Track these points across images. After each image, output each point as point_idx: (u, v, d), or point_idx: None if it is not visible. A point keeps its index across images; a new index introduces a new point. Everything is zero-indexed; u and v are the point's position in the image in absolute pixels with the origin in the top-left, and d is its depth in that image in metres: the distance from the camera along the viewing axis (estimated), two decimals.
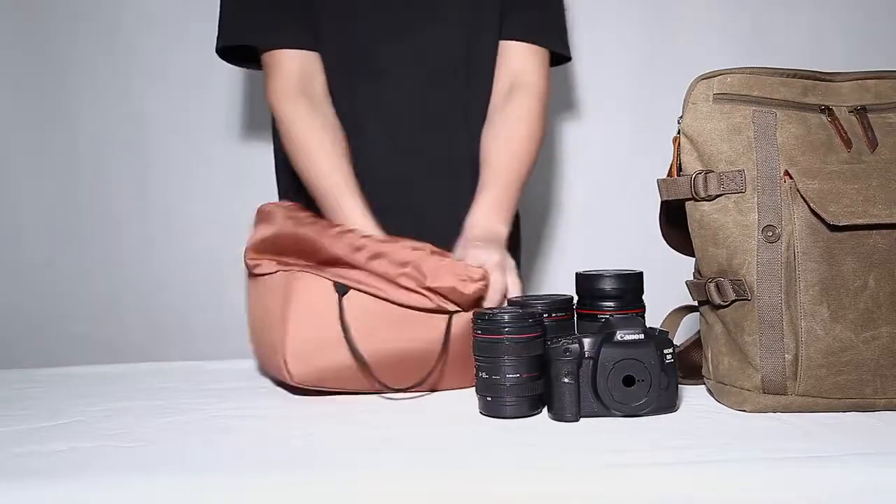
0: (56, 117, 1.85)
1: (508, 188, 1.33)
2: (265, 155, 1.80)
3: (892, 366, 0.92)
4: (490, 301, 1.09)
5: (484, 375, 0.96)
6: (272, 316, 1.06)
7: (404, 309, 1.04)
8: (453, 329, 1.05)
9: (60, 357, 1.63)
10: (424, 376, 1.03)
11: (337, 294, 1.03)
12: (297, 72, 1.34)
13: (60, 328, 1.87)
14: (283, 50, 1.34)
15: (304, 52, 1.35)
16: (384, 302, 1.04)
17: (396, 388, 1.02)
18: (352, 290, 1.03)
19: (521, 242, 1.56)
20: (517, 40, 1.39)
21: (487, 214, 1.29)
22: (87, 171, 1.86)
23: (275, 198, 1.49)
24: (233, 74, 1.86)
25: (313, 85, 1.35)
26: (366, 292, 1.04)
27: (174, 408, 1.04)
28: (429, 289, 1.04)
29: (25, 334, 1.88)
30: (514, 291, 1.12)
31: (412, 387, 1.02)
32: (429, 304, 1.04)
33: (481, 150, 1.37)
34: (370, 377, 1.02)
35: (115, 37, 1.83)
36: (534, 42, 1.39)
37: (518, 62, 1.39)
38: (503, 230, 1.29)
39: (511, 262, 1.17)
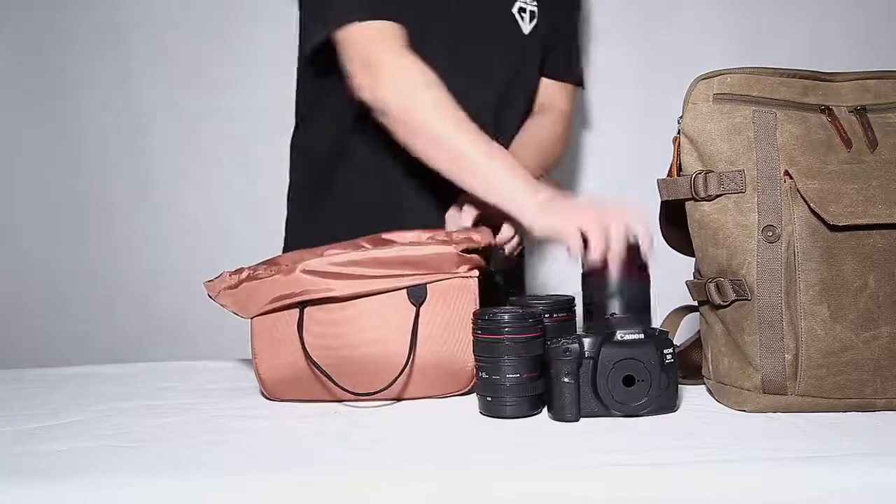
0: (56, 117, 1.85)
1: (530, 165, 1.32)
2: (265, 155, 1.81)
3: (892, 366, 0.92)
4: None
5: (484, 375, 0.96)
6: None
7: (373, 312, 1.03)
8: (422, 330, 1.02)
9: (60, 357, 1.63)
10: (389, 382, 1.00)
11: (298, 310, 1.02)
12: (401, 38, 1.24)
13: (60, 328, 1.87)
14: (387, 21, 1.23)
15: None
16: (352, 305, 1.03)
17: (361, 393, 1.00)
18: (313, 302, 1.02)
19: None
20: (560, 80, 1.49)
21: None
22: (87, 171, 1.86)
23: (274, 197, 1.49)
24: (233, 75, 1.86)
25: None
26: (354, 276, 1.02)
27: (173, 408, 1.04)
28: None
29: (25, 334, 1.88)
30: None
31: (378, 392, 1.00)
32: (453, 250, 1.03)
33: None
34: (336, 387, 1.00)
35: (115, 37, 1.83)
36: (563, 80, 1.50)
37: (549, 94, 1.49)
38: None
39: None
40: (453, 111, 1.18)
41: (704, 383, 1.04)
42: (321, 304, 1.03)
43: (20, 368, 1.37)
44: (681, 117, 1.00)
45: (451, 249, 1.03)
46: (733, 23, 1.84)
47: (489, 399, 0.96)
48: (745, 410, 0.96)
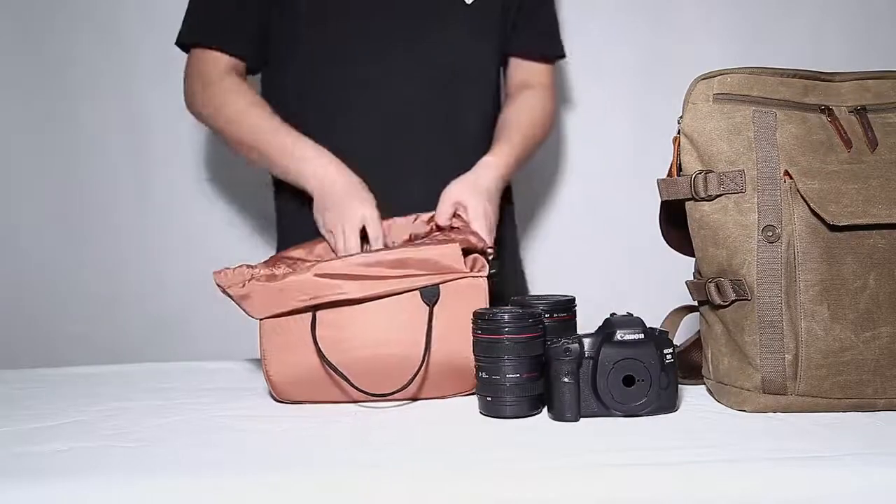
0: (56, 117, 1.85)
1: (523, 139, 1.39)
2: None
3: (892, 366, 0.92)
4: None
5: (484, 375, 0.95)
6: None
7: (384, 313, 1.03)
8: (435, 331, 1.02)
9: (60, 357, 1.63)
10: (406, 382, 1.00)
11: (311, 313, 1.02)
12: (226, 63, 1.37)
13: (60, 328, 1.87)
14: (216, 51, 1.37)
15: (236, 59, 1.38)
16: (362, 308, 1.03)
17: (377, 394, 1.00)
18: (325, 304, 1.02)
19: (517, 237, 1.58)
20: (523, 58, 1.49)
21: (494, 160, 1.34)
22: (87, 171, 1.86)
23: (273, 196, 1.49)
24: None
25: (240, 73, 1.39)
26: (361, 277, 1.02)
27: (174, 408, 1.04)
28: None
29: (25, 334, 1.87)
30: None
31: (392, 393, 1.00)
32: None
33: (497, 126, 1.43)
34: (350, 387, 1.00)
35: (115, 37, 1.83)
36: (539, 58, 1.50)
37: (526, 74, 1.49)
38: (505, 172, 1.35)
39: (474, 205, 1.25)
40: (252, 117, 1.33)
41: (704, 383, 1.04)
42: (333, 307, 1.02)
43: (20, 368, 1.37)
44: (681, 117, 1.00)
45: (456, 248, 1.03)
46: (733, 23, 1.84)
47: (489, 399, 0.96)
48: (745, 410, 0.96)
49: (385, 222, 1.24)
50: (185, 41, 1.39)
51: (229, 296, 1.03)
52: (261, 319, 1.04)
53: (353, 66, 1.37)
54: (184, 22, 1.39)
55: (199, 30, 1.38)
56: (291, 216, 1.42)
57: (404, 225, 1.27)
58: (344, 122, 1.37)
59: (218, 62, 1.36)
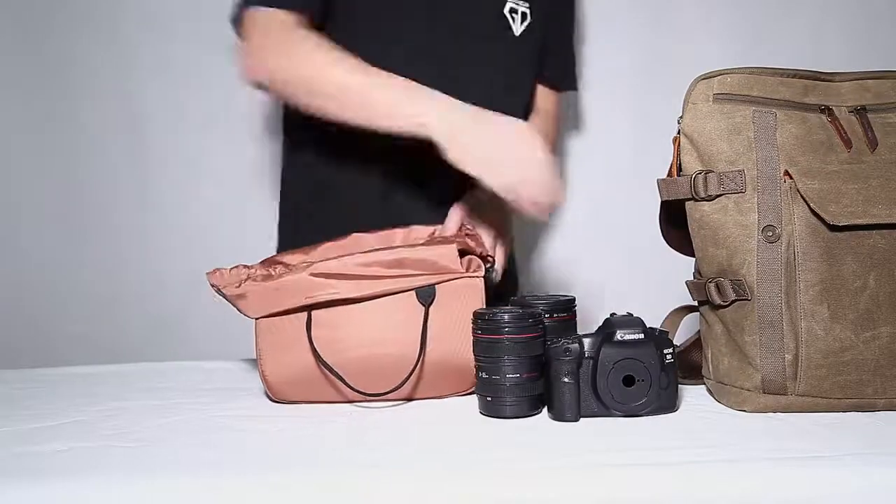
0: (56, 117, 1.85)
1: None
2: (265, 155, 1.81)
3: (892, 366, 0.92)
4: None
5: (484, 375, 0.95)
6: None
7: (379, 313, 1.03)
8: (430, 331, 1.02)
9: (60, 357, 1.63)
10: (400, 382, 1.00)
11: (305, 311, 1.02)
12: (292, 21, 1.23)
13: (60, 328, 1.87)
14: (291, 11, 1.23)
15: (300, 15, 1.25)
16: (356, 307, 1.03)
17: (372, 394, 1.00)
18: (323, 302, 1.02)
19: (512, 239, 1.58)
20: (552, 88, 1.50)
21: None
22: (87, 171, 1.86)
23: (275, 197, 1.49)
24: (233, 74, 1.85)
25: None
26: (359, 276, 1.02)
27: (174, 408, 1.04)
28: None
29: (25, 334, 1.87)
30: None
31: (389, 392, 1.00)
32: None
33: None
34: (345, 387, 1.00)
35: (115, 36, 1.83)
36: (555, 87, 1.51)
37: (543, 101, 1.49)
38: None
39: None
40: (329, 52, 1.15)
41: (704, 383, 1.04)
42: (328, 306, 1.02)
43: (20, 368, 1.37)
44: (681, 117, 1.00)
45: (453, 248, 1.03)
46: (733, 23, 1.84)
47: (489, 399, 0.96)
48: (745, 410, 0.96)
49: (403, 230, 1.23)
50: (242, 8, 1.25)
51: (223, 296, 1.03)
52: (256, 319, 1.04)
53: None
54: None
55: None
56: (293, 218, 1.42)
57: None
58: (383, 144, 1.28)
59: (284, 20, 1.22)
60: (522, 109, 1.46)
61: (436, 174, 1.31)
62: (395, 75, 1.15)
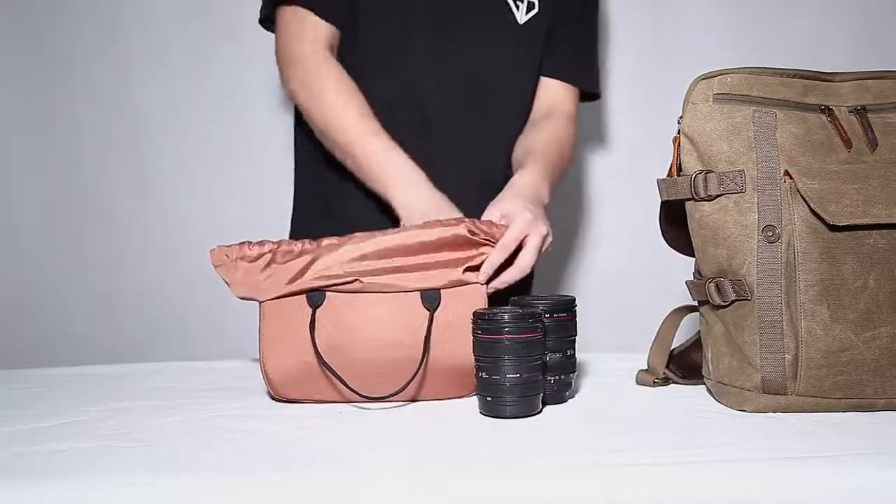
0: (56, 117, 1.85)
1: (552, 167, 1.34)
2: (265, 154, 1.81)
3: (892, 366, 0.92)
4: (499, 254, 1.07)
5: (484, 375, 0.95)
6: None
7: (383, 314, 1.03)
8: (434, 334, 1.02)
9: (60, 357, 1.63)
10: (403, 385, 1.00)
11: (310, 308, 1.02)
12: (327, 39, 1.32)
13: (60, 328, 1.87)
14: (318, 17, 1.31)
15: (335, 28, 1.32)
16: (362, 306, 1.03)
17: (374, 396, 0.99)
18: (329, 299, 1.02)
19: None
20: (557, 79, 1.45)
21: (531, 177, 1.28)
22: (87, 171, 1.86)
23: (275, 197, 1.49)
24: (233, 74, 1.86)
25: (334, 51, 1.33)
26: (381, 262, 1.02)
27: (174, 408, 1.04)
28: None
29: (25, 334, 1.88)
30: (529, 253, 1.12)
31: (391, 395, 0.99)
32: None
33: (517, 151, 1.39)
34: (346, 388, 1.00)
35: (115, 36, 1.83)
36: (572, 83, 1.46)
37: (553, 98, 1.45)
38: (545, 192, 1.29)
39: (541, 225, 1.16)
40: (355, 115, 1.27)
41: (704, 383, 1.04)
42: (333, 290, 1.03)
43: (20, 368, 1.37)
44: (681, 117, 1.00)
45: (462, 230, 1.03)
46: (733, 23, 1.84)
47: (489, 399, 0.96)
48: (745, 410, 0.96)
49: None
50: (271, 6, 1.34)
51: (225, 278, 1.04)
52: (261, 304, 1.04)
53: (400, 73, 1.35)
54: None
55: None
56: (308, 217, 1.43)
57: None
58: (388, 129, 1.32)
59: (316, 36, 1.31)
60: (521, 104, 1.43)
61: (459, 178, 1.31)
62: (388, 142, 1.26)
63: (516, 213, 1.13)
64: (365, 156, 1.25)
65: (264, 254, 1.03)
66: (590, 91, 1.50)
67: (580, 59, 1.48)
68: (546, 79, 1.46)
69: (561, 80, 1.45)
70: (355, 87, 1.29)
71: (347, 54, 1.34)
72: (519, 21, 1.38)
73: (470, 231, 1.05)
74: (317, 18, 1.30)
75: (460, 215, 1.18)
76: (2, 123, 1.85)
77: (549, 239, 1.18)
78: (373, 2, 1.34)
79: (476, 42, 1.37)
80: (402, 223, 1.21)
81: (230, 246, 1.05)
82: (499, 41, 1.38)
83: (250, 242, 1.05)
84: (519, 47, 1.40)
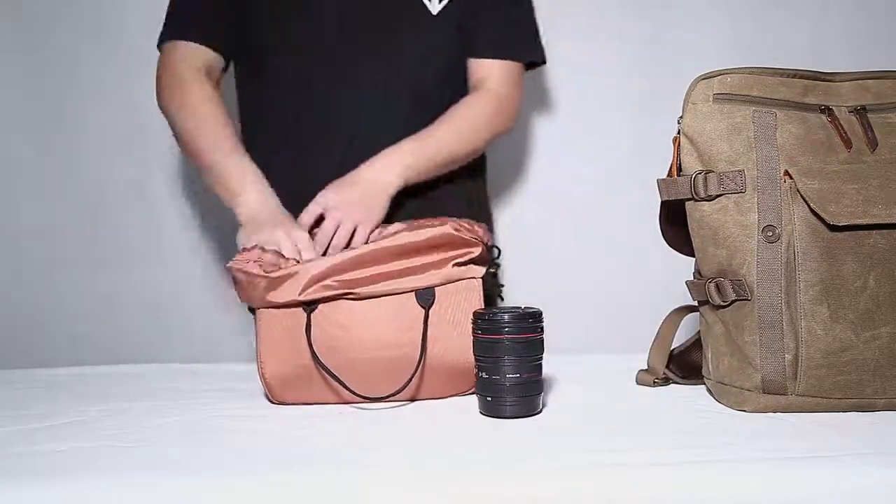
0: (56, 117, 1.85)
1: (421, 141, 1.35)
2: None
3: (892, 366, 0.92)
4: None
5: (484, 375, 0.95)
6: None
7: (379, 315, 1.03)
8: (430, 333, 1.02)
9: (60, 357, 1.63)
10: (401, 386, 1.00)
11: (305, 313, 1.02)
12: (205, 63, 1.40)
13: (60, 328, 1.87)
14: (188, 42, 1.40)
15: (209, 50, 1.40)
16: (359, 306, 1.03)
17: (373, 397, 1.00)
18: (321, 306, 1.03)
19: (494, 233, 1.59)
20: (483, 58, 1.45)
21: (373, 163, 1.32)
22: (87, 170, 1.86)
23: None
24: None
25: (213, 76, 1.41)
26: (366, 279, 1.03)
27: (174, 408, 1.04)
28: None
29: (25, 334, 1.87)
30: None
31: (391, 395, 1.00)
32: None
33: None
34: (345, 390, 1.00)
35: (116, 37, 1.83)
36: (498, 57, 1.45)
37: (481, 73, 1.46)
38: (390, 176, 1.32)
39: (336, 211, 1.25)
40: (212, 129, 1.34)
41: (704, 383, 1.04)
42: (329, 301, 1.02)
43: (21, 368, 1.37)
44: (681, 117, 1.00)
45: (448, 229, 1.04)
46: (733, 23, 1.84)
47: (489, 399, 0.96)
48: (745, 410, 0.96)
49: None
50: (159, 42, 1.45)
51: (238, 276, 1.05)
52: (256, 310, 1.04)
53: (319, 89, 1.39)
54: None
55: (170, 26, 1.44)
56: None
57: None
58: (305, 143, 1.40)
59: (187, 56, 1.40)
60: (451, 90, 1.44)
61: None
62: (238, 158, 1.32)
63: (321, 198, 1.27)
64: (215, 164, 1.32)
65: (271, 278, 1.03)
66: (513, 56, 1.46)
67: (495, 33, 1.46)
68: (475, 60, 1.45)
69: (478, 57, 1.45)
70: (220, 106, 1.37)
71: (254, 76, 1.43)
72: (433, 12, 1.40)
73: (455, 229, 1.05)
74: (195, 46, 1.40)
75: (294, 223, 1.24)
76: (2, 123, 1.85)
77: (348, 225, 1.25)
78: (281, 27, 1.38)
79: (396, 40, 1.39)
80: (241, 231, 1.26)
81: (248, 263, 1.05)
82: (418, 37, 1.40)
83: (260, 261, 1.06)
84: (436, 38, 1.41)
